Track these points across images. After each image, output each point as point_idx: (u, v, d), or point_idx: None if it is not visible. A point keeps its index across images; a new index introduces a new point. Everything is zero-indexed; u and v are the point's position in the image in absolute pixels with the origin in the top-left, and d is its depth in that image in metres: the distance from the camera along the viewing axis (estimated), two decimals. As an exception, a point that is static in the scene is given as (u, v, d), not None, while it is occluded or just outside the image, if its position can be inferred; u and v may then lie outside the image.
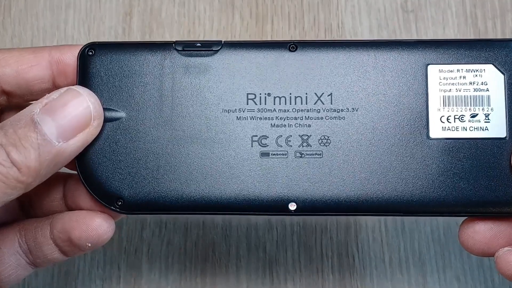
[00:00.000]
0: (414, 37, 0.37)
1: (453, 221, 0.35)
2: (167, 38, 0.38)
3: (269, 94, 0.26)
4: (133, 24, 0.39)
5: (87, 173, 0.26)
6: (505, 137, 0.25)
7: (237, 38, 0.38)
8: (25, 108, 0.25)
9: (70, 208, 0.28)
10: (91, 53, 0.26)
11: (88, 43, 0.26)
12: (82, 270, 0.36)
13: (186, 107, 0.26)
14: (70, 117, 0.24)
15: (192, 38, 0.38)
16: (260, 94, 0.26)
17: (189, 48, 0.26)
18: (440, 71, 0.25)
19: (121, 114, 0.26)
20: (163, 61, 0.26)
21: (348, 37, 0.38)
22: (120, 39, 0.38)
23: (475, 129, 0.25)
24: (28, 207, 0.29)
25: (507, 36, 0.37)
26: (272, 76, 0.26)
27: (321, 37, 0.38)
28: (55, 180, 0.27)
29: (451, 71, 0.25)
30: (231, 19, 0.38)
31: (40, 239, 0.27)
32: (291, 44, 0.26)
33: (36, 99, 0.27)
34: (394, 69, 0.26)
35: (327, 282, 0.35)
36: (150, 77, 0.26)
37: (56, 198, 0.28)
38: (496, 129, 0.25)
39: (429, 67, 0.25)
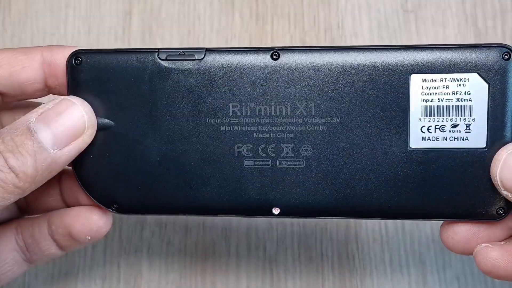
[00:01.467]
0: (414, 37, 0.37)
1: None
2: (167, 38, 0.38)
3: (252, 105, 0.26)
4: (133, 24, 0.39)
5: (83, 177, 0.27)
6: (485, 147, 0.25)
7: (236, 37, 0.38)
8: (19, 108, 0.25)
9: (68, 203, 0.29)
10: (78, 61, 0.26)
11: (74, 51, 0.26)
12: (82, 270, 0.36)
13: (171, 116, 0.26)
14: (65, 126, 0.25)
15: (191, 38, 0.38)
16: (243, 104, 0.26)
17: (172, 57, 0.26)
18: (423, 80, 0.25)
19: (110, 122, 0.26)
20: (147, 70, 0.26)
21: (348, 36, 0.38)
22: (120, 39, 0.38)
23: (455, 139, 0.25)
24: (25, 204, 0.30)
25: (507, 37, 0.37)
26: (255, 86, 0.26)
27: (321, 37, 0.38)
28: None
29: (434, 80, 0.25)
30: (231, 18, 0.38)
31: (37, 236, 0.28)
32: (274, 52, 0.26)
33: (29, 99, 0.28)
34: (376, 77, 0.25)
35: (327, 282, 0.35)
36: (135, 86, 0.26)
37: (53, 194, 0.29)
38: (476, 140, 0.25)
39: (412, 76, 0.25)
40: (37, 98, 0.28)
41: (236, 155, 0.26)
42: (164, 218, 0.36)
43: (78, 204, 0.28)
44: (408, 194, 0.25)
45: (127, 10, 0.39)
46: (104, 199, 0.27)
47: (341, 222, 0.36)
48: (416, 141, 0.25)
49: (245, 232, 0.36)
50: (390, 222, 0.35)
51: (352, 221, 0.36)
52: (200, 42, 0.38)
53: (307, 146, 0.26)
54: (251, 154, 0.26)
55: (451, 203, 0.25)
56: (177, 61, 0.26)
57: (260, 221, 0.36)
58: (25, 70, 0.26)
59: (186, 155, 0.26)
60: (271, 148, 0.26)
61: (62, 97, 0.26)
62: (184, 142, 0.26)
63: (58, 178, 0.29)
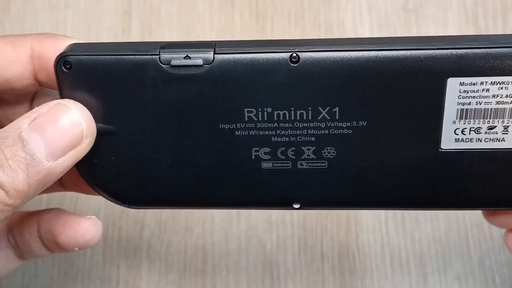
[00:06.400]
0: (415, 35, 0.37)
1: (454, 221, 0.35)
2: (167, 37, 0.38)
3: (269, 110, 0.24)
4: (132, 24, 0.38)
5: (89, 178, 0.26)
6: None
7: (236, 37, 0.38)
8: (9, 112, 0.23)
9: (66, 188, 0.28)
10: (68, 66, 0.23)
11: (61, 55, 0.23)
12: (82, 271, 0.36)
13: (179, 122, 0.24)
14: (61, 135, 0.22)
15: (191, 37, 0.38)
16: (260, 109, 0.24)
17: (177, 62, 0.23)
18: (461, 84, 0.23)
19: (112, 128, 0.24)
20: (148, 75, 0.23)
21: (348, 36, 0.37)
22: (119, 38, 0.38)
23: (491, 140, 0.24)
24: None
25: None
26: (271, 90, 0.23)
27: (321, 37, 0.37)
28: None
29: (474, 84, 0.23)
30: (231, 18, 0.38)
31: (27, 236, 0.27)
32: (293, 54, 0.23)
33: (19, 93, 0.26)
34: (408, 79, 0.23)
35: (327, 282, 0.35)
36: (136, 91, 0.24)
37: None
38: None
39: (449, 80, 0.23)
40: (28, 92, 0.26)
41: (253, 158, 0.25)
42: (164, 218, 0.36)
43: (79, 190, 0.27)
44: (437, 194, 0.25)
45: (126, 9, 0.39)
46: (114, 197, 0.26)
47: (342, 222, 0.36)
48: (448, 142, 0.24)
49: (245, 232, 0.36)
50: (390, 222, 0.35)
51: (352, 222, 0.36)
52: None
53: (330, 148, 0.24)
54: (269, 157, 0.25)
55: (483, 197, 0.25)
56: (182, 67, 0.23)
57: (260, 221, 0.36)
58: (12, 65, 0.24)
59: (199, 157, 0.25)
60: (291, 151, 0.24)
61: (57, 101, 0.23)
62: (196, 146, 0.24)
63: None
